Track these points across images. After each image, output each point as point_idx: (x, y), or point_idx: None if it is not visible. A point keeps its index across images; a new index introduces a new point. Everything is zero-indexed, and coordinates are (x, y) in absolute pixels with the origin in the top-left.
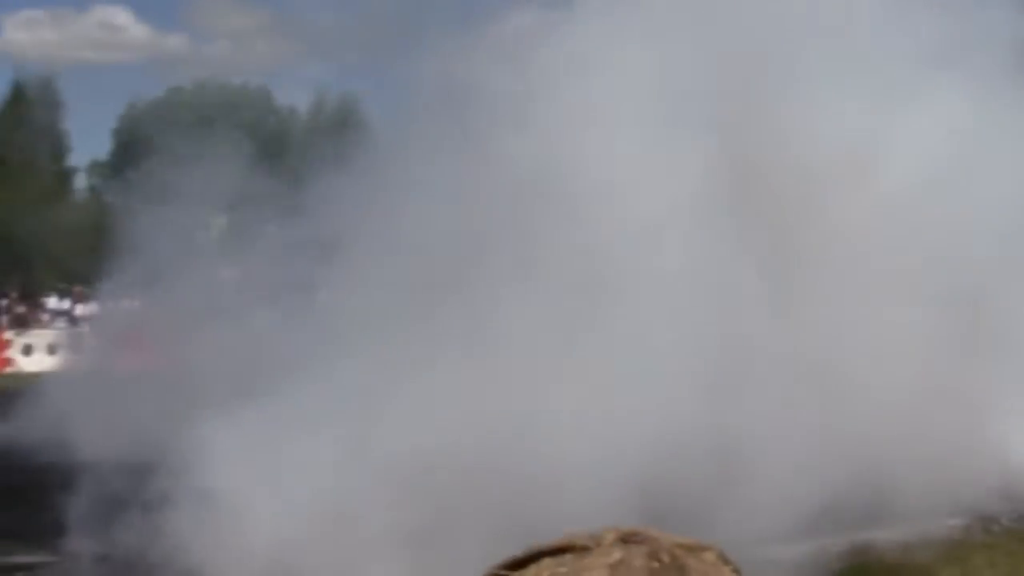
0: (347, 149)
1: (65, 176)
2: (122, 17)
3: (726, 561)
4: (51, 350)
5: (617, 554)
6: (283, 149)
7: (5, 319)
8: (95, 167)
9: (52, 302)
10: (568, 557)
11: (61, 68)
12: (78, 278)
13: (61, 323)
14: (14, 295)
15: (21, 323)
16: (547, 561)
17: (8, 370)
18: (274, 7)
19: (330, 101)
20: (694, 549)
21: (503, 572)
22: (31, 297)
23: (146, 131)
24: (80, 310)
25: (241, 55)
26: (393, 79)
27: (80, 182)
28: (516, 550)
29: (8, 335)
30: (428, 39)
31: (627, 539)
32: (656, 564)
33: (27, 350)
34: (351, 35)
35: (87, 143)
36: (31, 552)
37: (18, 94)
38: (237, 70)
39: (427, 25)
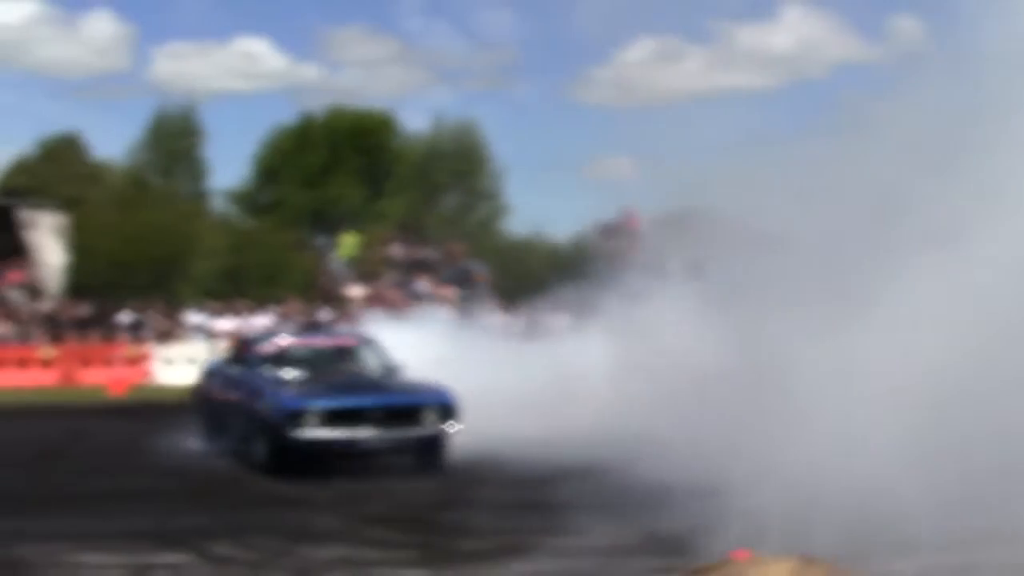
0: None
1: (203, 199)
2: (260, 47)
3: None
4: (190, 362)
5: (795, 563)
6: (404, 170)
7: (148, 333)
8: (232, 191)
9: (191, 317)
10: (749, 564)
11: (203, 96)
12: (215, 295)
13: (199, 337)
14: (157, 310)
15: (164, 337)
16: (731, 566)
17: (145, 381)
18: (401, 38)
19: (448, 126)
20: None
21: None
22: (171, 312)
23: (282, 157)
24: (217, 325)
25: (370, 82)
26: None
27: (217, 205)
28: None
29: (151, 348)
30: (541, 68)
31: (806, 560)
32: (833, 573)
33: (168, 362)
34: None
35: (225, 167)
36: (173, 552)
37: (162, 122)
38: (365, 97)
39: (539, 55)
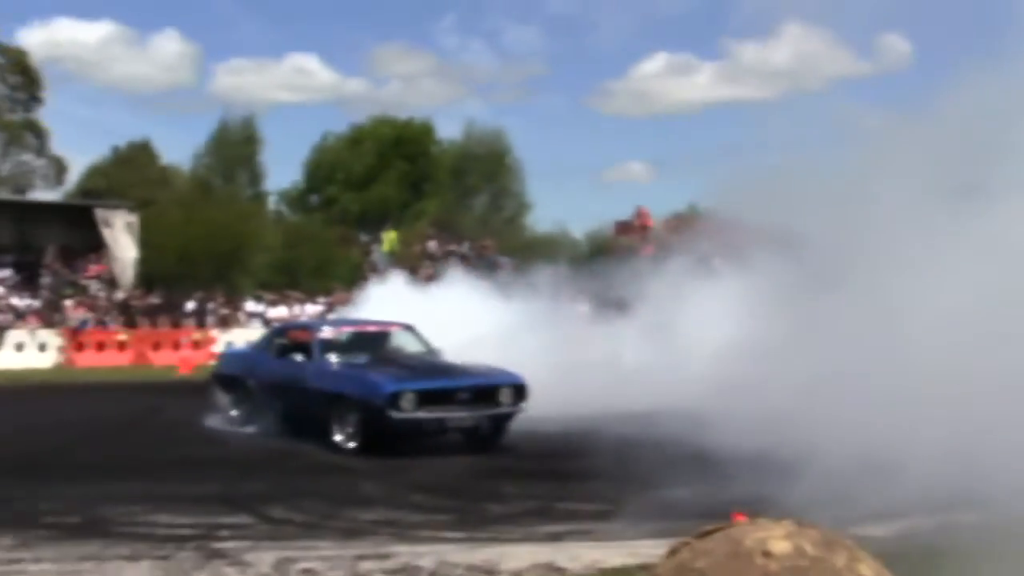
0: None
1: (260, 200)
2: (311, 63)
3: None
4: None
5: (792, 525)
6: (441, 174)
7: (211, 319)
8: (285, 192)
9: (249, 305)
10: (750, 525)
11: (260, 107)
12: (270, 286)
13: (256, 324)
14: (219, 299)
15: (224, 323)
16: (735, 527)
17: (209, 362)
18: (438, 54)
19: (480, 134)
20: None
21: (691, 539)
22: (232, 301)
23: (331, 162)
24: (272, 313)
25: (409, 95)
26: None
27: (272, 204)
28: None
29: (214, 333)
30: (563, 81)
31: (800, 523)
32: (826, 537)
33: (229, 345)
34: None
35: (280, 172)
36: (236, 514)
37: (223, 131)
38: (405, 107)
39: (561, 69)
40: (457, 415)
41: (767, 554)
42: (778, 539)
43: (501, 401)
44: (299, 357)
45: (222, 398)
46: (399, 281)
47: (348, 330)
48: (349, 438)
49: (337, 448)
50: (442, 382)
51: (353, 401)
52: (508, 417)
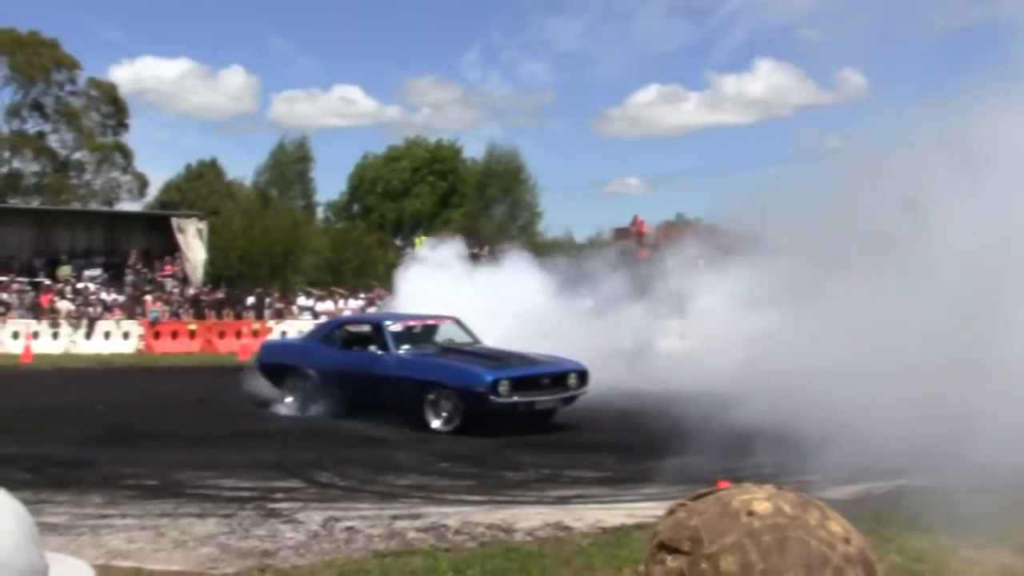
0: (509, 186)
1: (311, 210)
2: (355, 93)
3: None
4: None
5: (772, 489)
6: (466, 188)
7: (268, 312)
8: (330, 206)
9: (300, 300)
10: (736, 489)
11: (311, 131)
12: (319, 283)
13: (307, 316)
14: (275, 295)
15: (279, 316)
16: (723, 492)
17: None
18: (463, 85)
19: (499, 153)
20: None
21: (686, 500)
22: (285, 296)
23: (371, 177)
24: (320, 306)
25: (439, 120)
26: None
27: (321, 214)
28: None
29: (270, 324)
30: (570, 108)
31: (779, 487)
32: (802, 499)
33: (283, 335)
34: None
35: (329, 186)
36: (289, 479)
37: (280, 151)
38: (435, 131)
39: (568, 98)
40: (542, 398)
41: (751, 513)
42: (761, 500)
43: (570, 385)
44: (372, 348)
45: (267, 386)
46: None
47: (412, 323)
48: (446, 422)
49: (432, 431)
50: (529, 370)
51: (451, 389)
52: (575, 399)
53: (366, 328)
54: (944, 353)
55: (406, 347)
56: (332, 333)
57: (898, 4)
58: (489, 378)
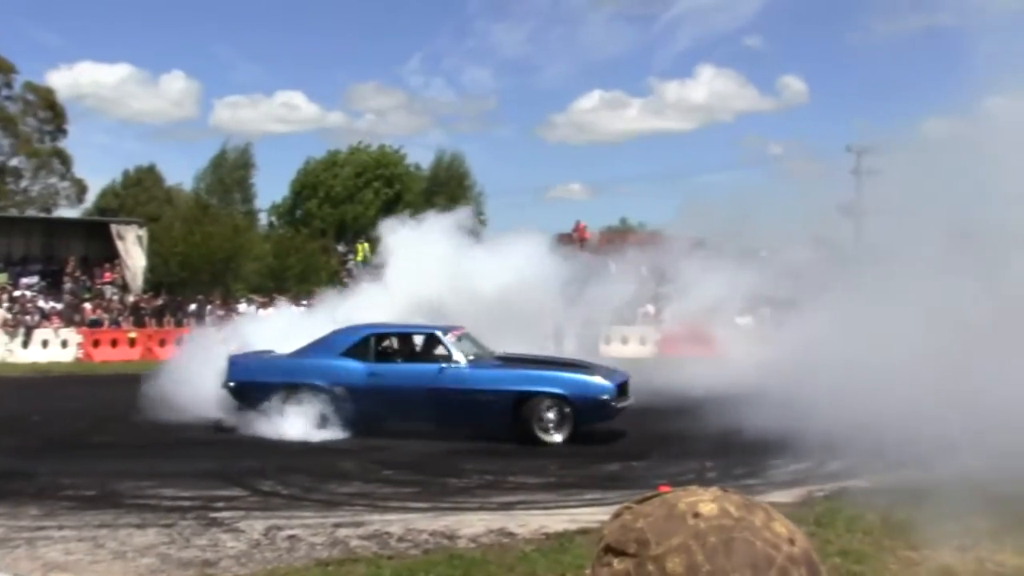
0: (454, 193)
1: (252, 215)
2: (298, 99)
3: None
4: None
5: (718, 491)
6: (412, 196)
7: (209, 320)
8: (273, 208)
9: (242, 307)
10: (682, 493)
11: (253, 136)
12: (260, 290)
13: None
14: (216, 302)
15: (221, 323)
16: (668, 495)
17: None
18: (407, 91)
19: (443, 159)
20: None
21: (632, 503)
22: (227, 304)
23: (312, 182)
24: (262, 313)
25: (382, 126)
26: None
27: (264, 219)
28: None
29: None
30: (513, 114)
31: (724, 490)
32: (747, 501)
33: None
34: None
35: (270, 191)
36: (231, 488)
37: (221, 156)
38: (379, 137)
39: (512, 104)
40: (628, 403)
41: (697, 515)
42: (706, 502)
43: (629, 390)
44: (432, 361)
45: (252, 407)
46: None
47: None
48: (553, 431)
49: (540, 442)
50: (619, 377)
51: (568, 398)
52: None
53: (399, 339)
54: (887, 356)
55: (469, 358)
56: (359, 346)
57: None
58: (612, 386)
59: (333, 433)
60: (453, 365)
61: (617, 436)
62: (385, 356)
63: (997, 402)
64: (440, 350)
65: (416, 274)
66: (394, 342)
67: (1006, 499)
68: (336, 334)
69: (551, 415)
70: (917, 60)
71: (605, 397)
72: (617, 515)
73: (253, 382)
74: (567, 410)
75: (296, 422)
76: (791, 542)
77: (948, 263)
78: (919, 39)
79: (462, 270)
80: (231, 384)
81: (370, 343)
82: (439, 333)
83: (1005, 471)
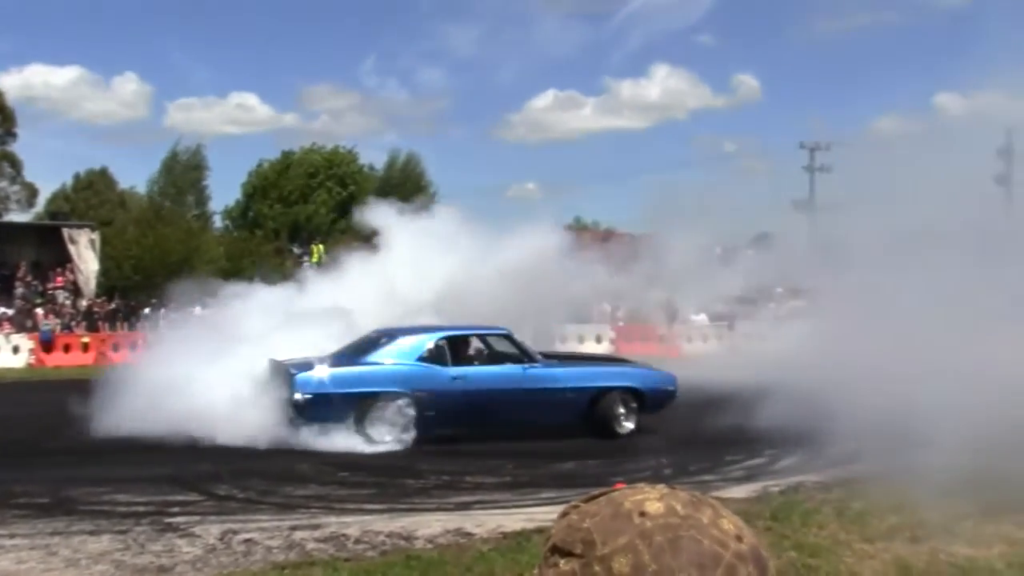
0: (409, 194)
1: (206, 218)
2: (252, 101)
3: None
4: None
5: (665, 489)
6: (366, 196)
7: (163, 323)
8: (228, 210)
9: (196, 310)
10: (630, 491)
11: (206, 139)
12: (214, 293)
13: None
14: (169, 304)
15: (174, 327)
16: (617, 493)
17: None
18: (361, 92)
19: (397, 160)
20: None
21: (579, 502)
22: (180, 306)
23: (265, 185)
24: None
25: (336, 127)
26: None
27: (218, 221)
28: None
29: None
30: (468, 114)
31: (672, 488)
32: (694, 498)
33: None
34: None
35: (225, 194)
36: (186, 492)
37: (173, 158)
38: (333, 138)
39: (467, 104)
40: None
41: (643, 514)
42: (653, 501)
43: None
44: (509, 363)
45: (324, 420)
46: None
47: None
48: (624, 422)
49: (615, 435)
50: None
51: (642, 391)
52: None
53: (472, 341)
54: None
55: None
56: (435, 350)
57: (789, 9)
58: (674, 377)
59: (414, 441)
60: (534, 365)
61: (573, 434)
62: (463, 359)
63: (949, 399)
64: (513, 350)
65: (422, 265)
66: (469, 344)
67: (959, 491)
68: (402, 338)
69: (622, 408)
70: (867, 57)
71: (671, 388)
72: (564, 514)
73: (327, 394)
74: (633, 404)
75: (377, 432)
76: (739, 539)
77: (896, 260)
78: (868, 36)
79: (473, 262)
80: (303, 397)
81: (445, 347)
82: (508, 333)
83: (959, 465)
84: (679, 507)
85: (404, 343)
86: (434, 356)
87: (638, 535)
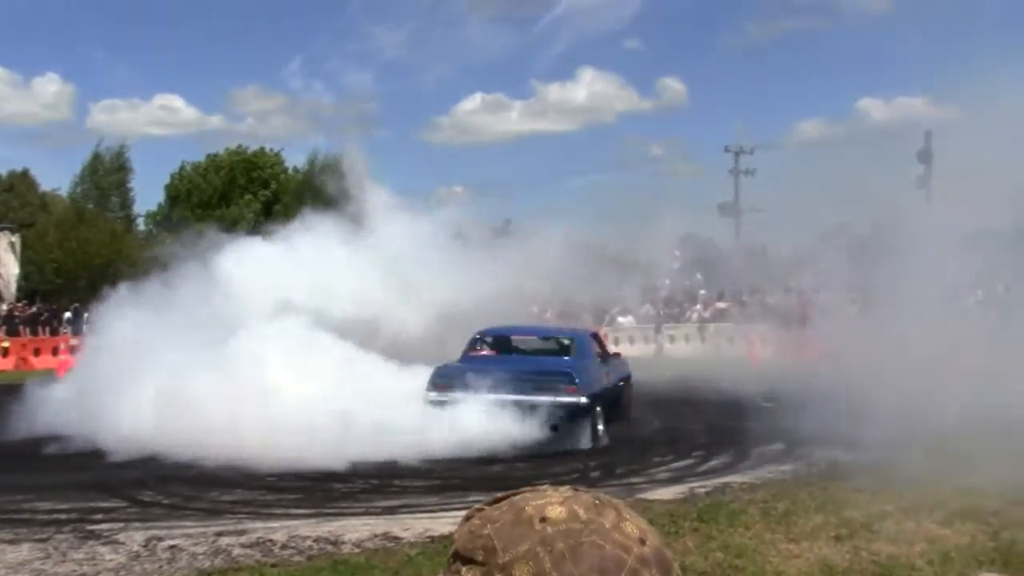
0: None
1: (129, 221)
2: (177, 102)
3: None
4: None
5: (568, 492)
6: (288, 197)
7: (86, 328)
8: (151, 214)
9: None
10: (533, 493)
11: (130, 140)
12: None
13: None
14: (93, 310)
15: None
16: (519, 495)
17: None
18: (287, 94)
19: (322, 162)
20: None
21: (483, 506)
22: (104, 311)
23: (188, 187)
24: None
25: (262, 129)
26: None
27: (143, 225)
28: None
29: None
30: (395, 117)
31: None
32: (597, 501)
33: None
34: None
35: (146, 196)
36: (110, 499)
37: (96, 161)
38: (259, 140)
39: (393, 107)
40: None
41: (544, 519)
42: (554, 505)
43: None
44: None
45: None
46: None
47: None
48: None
49: None
50: None
51: None
52: None
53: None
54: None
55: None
56: (598, 347)
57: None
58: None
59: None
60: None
61: (503, 437)
62: (604, 356)
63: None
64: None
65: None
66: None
67: (880, 490)
68: (580, 337)
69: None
70: (792, 62)
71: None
72: (467, 518)
73: (594, 394)
74: None
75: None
76: (642, 542)
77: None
78: (793, 41)
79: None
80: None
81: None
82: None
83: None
84: (581, 511)
85: (582, 341)
86: (599, 354)
87: (539, 542)
